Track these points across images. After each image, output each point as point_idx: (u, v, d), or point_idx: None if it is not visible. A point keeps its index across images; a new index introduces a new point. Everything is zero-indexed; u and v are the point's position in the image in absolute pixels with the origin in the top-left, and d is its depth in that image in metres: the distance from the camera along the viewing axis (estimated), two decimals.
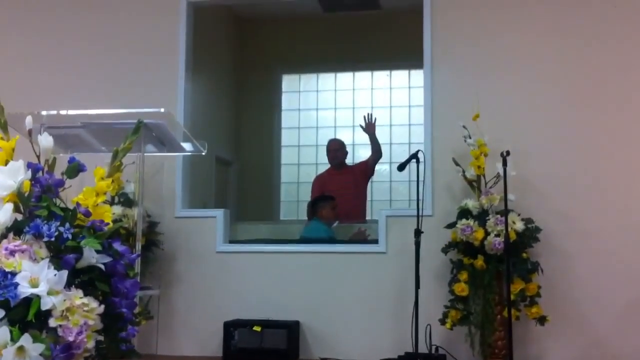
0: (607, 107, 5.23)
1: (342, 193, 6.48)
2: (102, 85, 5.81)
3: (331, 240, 5.99)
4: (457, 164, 5.09)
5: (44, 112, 3.19)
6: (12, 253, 1.94)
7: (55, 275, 1.90)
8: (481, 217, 4.85)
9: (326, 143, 7.15)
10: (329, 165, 6.99)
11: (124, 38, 5.97)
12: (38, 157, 2.23)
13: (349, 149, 7.12)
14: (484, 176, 5.01)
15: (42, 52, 6.08)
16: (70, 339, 1.89)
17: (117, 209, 5.07)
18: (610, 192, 5.13)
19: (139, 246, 3.46)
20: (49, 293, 1.88)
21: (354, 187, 6.70)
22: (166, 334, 5.40)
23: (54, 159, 2.25)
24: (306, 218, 6.76)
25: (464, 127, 5.04)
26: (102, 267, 2.07)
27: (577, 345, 5.00)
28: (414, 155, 4.85)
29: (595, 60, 5.28)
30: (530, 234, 4.85)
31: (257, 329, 5.12)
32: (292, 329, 5.21)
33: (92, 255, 2.05)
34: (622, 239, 5.04)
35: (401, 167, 4.89)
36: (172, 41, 5.89)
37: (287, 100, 8.74)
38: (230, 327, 5.21)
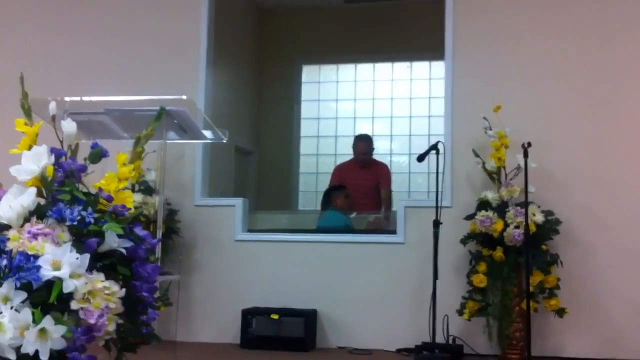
0: (629, 100, 5.17)
1: (361, 189, 6.45)
2: (123, 76, 5.84)
3: (349, 230, 5.99)
4: (477, 156, 5.07)
5: (67, 98, 3.22)
6: (35, 236, 1.97)
7: (77, 258, 1.93)
8: (501, 208, 4.83)
9: (346, 134, 7.10)
10: (347, 156, 6.95)
11: (146, 28, 5.99)
12: (61, 142, 2.26)
13: None
14: (504, 168, 4.99)
15: (66, 40, 6.11)
16: (92, 321, 1.91)
17: (138, 197, 5.10)
18: (631, 185, 5.09)
19: (159, 233, 3.49)
20: (71, 276, 1.90)
21: (374, 186, 6.64)
22: (185, 321, 5.45)
23: (77, 144, 2.27)
24: None
25: (484, 118, 5.02)
26: (124, 251, 2.09)
27: (596, 338, 4.98)
28: (434, 146, 4.84)
29: (618, 53, 5.22)
30: (550, 226, 4.83)
31: (275, 317, 5.15)
32: (309, 318, 5.24)
33: (113, 240, 2.07)
34: None
35: (421, 158, 4.87)
36: (194, 31, 5.91)
37: (306, 91, 8.72)
38: (248, 315, 5.24)
